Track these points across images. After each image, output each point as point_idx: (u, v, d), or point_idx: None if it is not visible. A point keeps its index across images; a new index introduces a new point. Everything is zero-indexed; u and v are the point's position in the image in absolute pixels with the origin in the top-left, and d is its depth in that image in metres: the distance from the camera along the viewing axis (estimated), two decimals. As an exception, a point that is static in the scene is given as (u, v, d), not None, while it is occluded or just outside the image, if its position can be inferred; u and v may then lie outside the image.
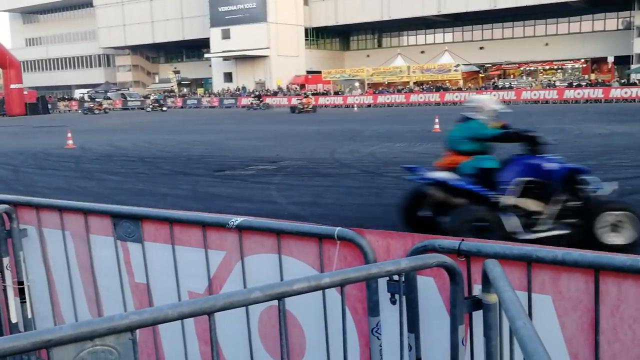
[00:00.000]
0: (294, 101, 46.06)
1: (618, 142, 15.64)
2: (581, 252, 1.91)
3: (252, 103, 48.80)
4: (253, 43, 58.12)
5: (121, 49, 73.34)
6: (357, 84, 55.22)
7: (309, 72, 60.50)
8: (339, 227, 2.34)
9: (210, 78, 66.02)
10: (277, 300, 1.72)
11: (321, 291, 2.31)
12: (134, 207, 2.95)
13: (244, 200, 9.25)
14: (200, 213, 2.78)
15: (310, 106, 41.54)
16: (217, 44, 60.77)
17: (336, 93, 54.13)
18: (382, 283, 2.26)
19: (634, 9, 46.79)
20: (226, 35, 59.92)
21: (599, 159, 12.48)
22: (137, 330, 1.54)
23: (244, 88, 59.87)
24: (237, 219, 2.55)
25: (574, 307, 1.97)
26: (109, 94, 65.41)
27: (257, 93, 53.65)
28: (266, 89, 57.90)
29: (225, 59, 62.17)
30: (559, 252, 1.91)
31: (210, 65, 65.19)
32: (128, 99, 62.48)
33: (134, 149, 18.07)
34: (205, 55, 63.37)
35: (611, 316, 1.90)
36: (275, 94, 56.06)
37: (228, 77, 63.23)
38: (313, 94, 50.88)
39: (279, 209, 8.31)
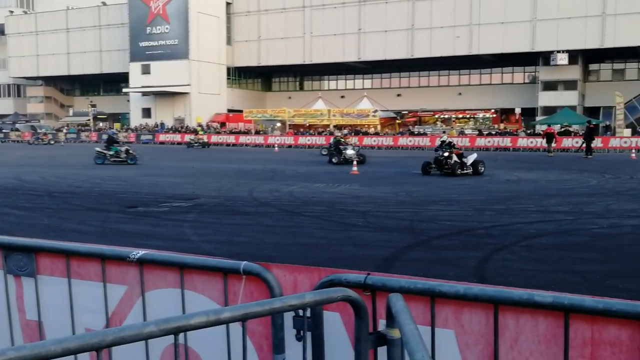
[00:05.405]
0: (186, 138, 49.88)
1: (524, 188, 16.45)
2: (482, 286, 1.95)
3: (190, 140, 47.39)
4: (173, 79, 57.43)
5: (33, 79, 70.51)
6: (278, 124, 55.57)
7: (230, 111, 60.31)
8: (244, 262, 2.28)
9: (128, 113, 64.44)
10: (173, 336, 1.63)
11: (225, 328, 2.23)
12: (27, 239, 2.76)
13: (155, 237, 8.96)
14: (99, 245, 2.63)
15: (202, 141, 46.76)
16: (137, 79, 59.61)
17: (257, 132, 54.20)
18: (289, 320, 2.21)
19: (538, 65, 50.19)
20: (146, 71, 58.87)
21: (506, 203, 13.04)
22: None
23: (162, 124, 58.80)
24: (139, 252, 2.44)
25: (475, 341, 1.99)
26: (17, 126, 62.45)
27: (192, 129, 53.45)
28: (185, 125, 57.10)
29: (144, 94, 60.95)
30: (461, 286, 1.94)
31: (128, 100, 63.67)
32: (38, 130, 59.82)
33: (42, 182, 17.22)
34: (124, 90, 61.94)
35: (510, 349, 1.93)
36: (176, 130, 55.81)
37: (146, 112, 61.87)
38: (233, 132, 52.94)
39: (191, 247, 8.08)
